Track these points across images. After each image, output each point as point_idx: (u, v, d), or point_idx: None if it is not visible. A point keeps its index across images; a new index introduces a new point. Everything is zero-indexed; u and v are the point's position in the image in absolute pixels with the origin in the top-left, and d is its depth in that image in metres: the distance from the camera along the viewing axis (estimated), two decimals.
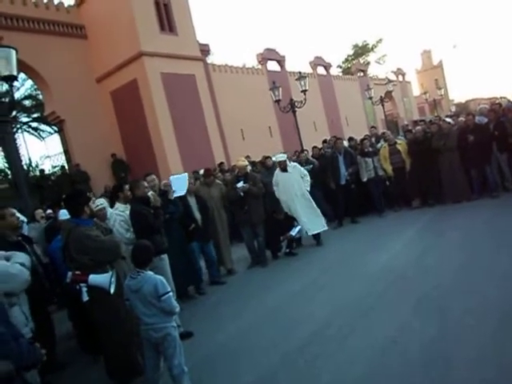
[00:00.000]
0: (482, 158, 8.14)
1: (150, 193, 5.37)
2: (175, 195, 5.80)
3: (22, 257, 3.31)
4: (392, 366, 3.24)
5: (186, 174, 6.12)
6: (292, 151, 13.28)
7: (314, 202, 7.80)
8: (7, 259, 3.22)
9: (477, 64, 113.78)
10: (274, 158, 8.47)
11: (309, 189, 7.82)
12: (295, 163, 8.39)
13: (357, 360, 3.45)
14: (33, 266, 3.97)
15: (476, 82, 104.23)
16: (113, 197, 5.67)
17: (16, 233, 4.25)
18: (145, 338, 3.46)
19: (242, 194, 7.08)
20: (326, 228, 7.82)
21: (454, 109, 42.18)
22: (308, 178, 7.90)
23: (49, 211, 7.73)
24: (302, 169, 8.08)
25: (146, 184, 5.40)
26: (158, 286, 3.34)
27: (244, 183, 7.13)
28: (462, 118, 9.41)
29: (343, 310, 4.54)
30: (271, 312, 4.97)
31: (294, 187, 7.62)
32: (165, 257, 4.98)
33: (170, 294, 3.39)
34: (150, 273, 3.47)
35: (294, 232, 7.49)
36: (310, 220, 7.64)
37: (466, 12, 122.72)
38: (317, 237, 7.81)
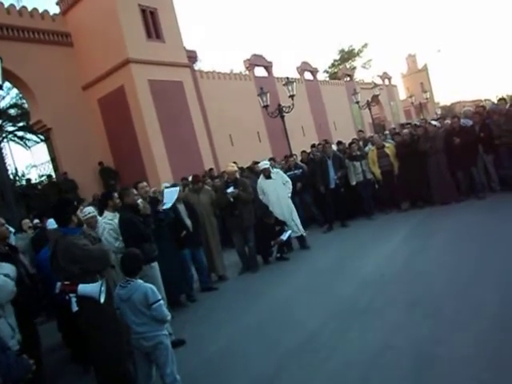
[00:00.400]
0: (468, 159, 8.25)
1: (140, 200, 5.34)
2: (164, 207, 5.77)
3: (6, 268, 3.26)
4: (385, 371, 3.24)
5: (178, 187, 6.07)
6: (280, 156, 13.33)
7: (294, 209, 7.98)
8: None
9: (461, 67, 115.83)
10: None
11: (290, 195, 7.98)
12: (278, 169, 8.56)
13: (350, 365, 3.44)
14: (20, 277, 3.91)
15: (461, 84, 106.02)
16: (101, 205, 5.62)
17: (4, 243, 4.19)
18: (136, 347, 3.42)
19: (231, 199, 7.08)
20: (299, 234, 7.90)
21: (439, 112, 42.67)
22: (290, 185, 8.05)
23: (36, 221, 7.62)
24: (285, 175, 8.23)
25: (135, 192, 5.37)
26: (148, 294, 3.31)
27: (234, 189, 7.14)
28: (447, 121, 9.53)
29: (335, 314, 4.54)
30: (263, 318, 4.95)
31: (278, 193, 7.78)
32: (155, 265, 4.94)
33: (161, 302, 3.37)
34: (140, 281, 3.44)
35: (284, 236, 7.51)
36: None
37: (450, 17, 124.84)
38: (301, 240, 7.95)
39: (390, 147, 9.04)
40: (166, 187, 5.98)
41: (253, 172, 9.98)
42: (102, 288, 3.68)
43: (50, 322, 5.71)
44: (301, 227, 7.90)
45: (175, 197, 5.95)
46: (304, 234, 7.96)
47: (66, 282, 3.64)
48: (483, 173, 8.35)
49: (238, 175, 7.69)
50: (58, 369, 4.88)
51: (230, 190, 7.14)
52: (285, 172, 9.52)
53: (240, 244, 7.35)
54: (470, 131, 8.32)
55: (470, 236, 6.16)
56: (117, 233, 5.08)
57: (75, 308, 3.69)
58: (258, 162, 9.94)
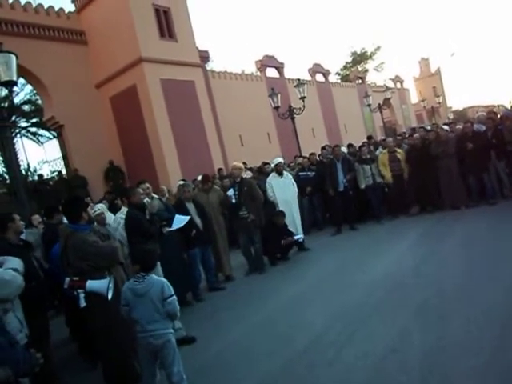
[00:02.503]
0: (480, 165, 8.18)
1: (146, 200, 5.39)
2: (174, 227, 5.71)
3: (14, 262, 3.30)
4: (391, 375, 3.22)
5: (189, 217, 6.05)
6: (290, 157, 13.32)
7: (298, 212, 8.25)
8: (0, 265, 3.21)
9: (474, 72, 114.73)
10: (272, 165, 8.61)
11: (296, 198, 8.24)
12: (287, 172, 8.70)
13: (356, 368, 3.42)
14: (34, 271, 3.97)
15: (474, 89, 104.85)
16: (117, 201, 5.76)
17: (18, 237, 4.29)
18: (142, 345, 3.43)
19: (233, 201, 7.11)
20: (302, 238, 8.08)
21: (451, 116, 42.37)
22: (296, 189, 8.25)
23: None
24: (293, 180, 8.39)
25: (141, 191, 5.44)
26: (164, 288, 3.35)
27: (235, 190, 7.17)
28: (459, 126, 9.45)
29: (342, 317, 4.52)
30: (270, 319, 4.95)
31: (286, 193, 8.02)
32: (157, 264, 4.95)
33: (175, 296, 3.39)
34: (155, 276, 3.48)
35: (296, 236, 7.68)
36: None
37: (464, 20, 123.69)
38: (299, 243, 8.01)
39: (401, 152, 9.01)
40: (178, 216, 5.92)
41: (262, 173, 9.97)
42: (110, 285, 3.72)
43: (59, 316, 5.78)
44: (300, 230, 8.04)
45: (181, 225, 5.87)
46: (301, 239, 7.98)
47: (75, 278, 3.69)
48: (495, 179, 8.26)
49: (244, 174, 7.72)
50: (65, 364, 4.91)
51: (230, 192, 7.20)
52: (298, 172, 9.61)
53: (245, 245, 7.37)
54: (482, 137, 8.25)
55: (480, 242, 6.09)
56: None
57: (83, 304, 3.74)
58: (268, 164, 9.95)
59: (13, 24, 13.45)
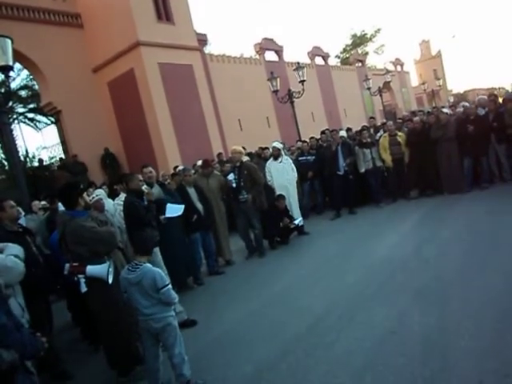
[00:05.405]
0: (480, 149, 8.14)
1: (144, 186, 5.37)
2: (167, 215, 5.62)
3: (16, 249, 3.32)
4: (391, 357, 3.25)
5: (183, 206, 5.91)
6: (290, 142, 13.25)
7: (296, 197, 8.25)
8: (0, 251, 3.22)
9: (476, 54, 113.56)
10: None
11: (295, 183, 8.27)
12: (287, 157, 8.61)
13: (355, 350, 3.46)
14: (34, 257, 3.98)
15: (475, 72, 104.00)
16: (117, 187, 5.76)
17: (15, 224, 4.26)
18: (144, 328, 3.46)
19: (233, 185, 7.10)
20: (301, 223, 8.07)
21: (452, 99, 42.01)
22: (296, 173, 8.22)
23: (43, 202, 7.63)
24: (293, 164, 8.33)
25: (140, 177, 5.40)
26: (156, 279, 3.34)
27: (235, 174, 7.19)
28: (460, 109, 9.37)
29: (342, 300, 4.56)
30: (270, 302, 4.99)
31: (284, 178, 8.03)
32: (156, 250, 4.95)
33: (169, 286, 3.40)
34: (149, 265, 3.46)
35: (296, 221, 7.73)
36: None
37: (465, 2, 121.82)
38: (299, 228, 8.04)
39: (401, 136, 8.95)
40: (170, 203, 5.83)
41: (261, 158, 9.94)
42: (110, 269, 3.74)
43: (60, 301, 5.81)
44: (297, 215, 8.05)
45: (180, 211, 5.79)
46: (301, 223, 8.02)
47: (75, 264, 3.71)
48: (495, 162, 8.23)
49: (243, 159, 7.67)
50: (67, 348, 4.97)
51: (231, 176, 7.20)
52: (298, 156, 9.56)
53: (243, 227, 7.40)
54: (483, 120, 8.18)
55: (479, 225, 6.11)
56: None
57: (84, 289, 3.76)
58: (266, 148, 9.91)
59: (7, 7, 13.21)
